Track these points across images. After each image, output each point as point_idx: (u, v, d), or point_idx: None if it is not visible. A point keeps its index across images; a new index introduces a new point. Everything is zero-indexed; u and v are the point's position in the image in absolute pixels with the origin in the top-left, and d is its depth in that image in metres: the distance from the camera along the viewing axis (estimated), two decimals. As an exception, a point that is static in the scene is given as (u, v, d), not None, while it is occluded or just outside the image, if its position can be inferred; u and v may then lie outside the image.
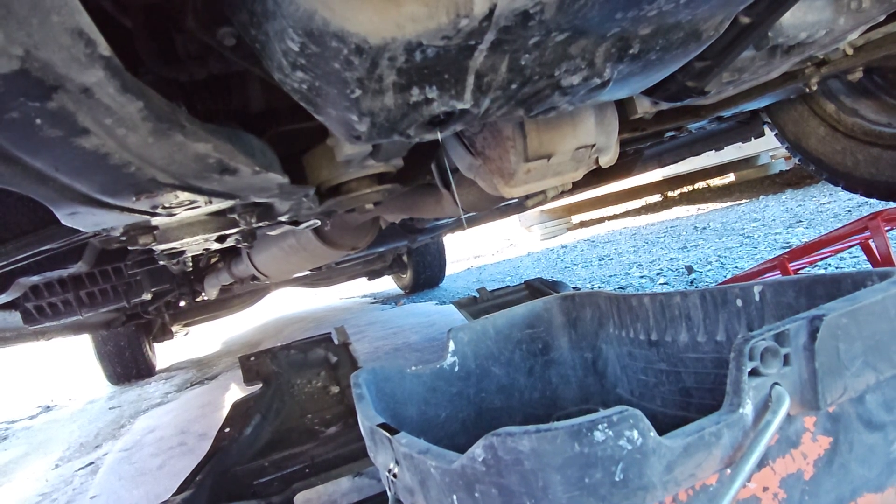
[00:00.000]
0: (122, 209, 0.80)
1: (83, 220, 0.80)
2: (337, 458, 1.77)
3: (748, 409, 0.58)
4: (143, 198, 0.77)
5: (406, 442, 0.77)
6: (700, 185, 9.74)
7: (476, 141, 1.36)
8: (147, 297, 2.30)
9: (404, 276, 6.12)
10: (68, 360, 5.64)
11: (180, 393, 3.66)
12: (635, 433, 0.54)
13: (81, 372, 5.28)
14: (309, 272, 4.82)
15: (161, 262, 1.79)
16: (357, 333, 3.86)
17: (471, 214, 3.25)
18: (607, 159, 1.45)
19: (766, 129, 2.67)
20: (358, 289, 7.43)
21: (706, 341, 0.96)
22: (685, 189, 9.85)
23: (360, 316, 4.93)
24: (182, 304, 4.42)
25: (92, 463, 2.54)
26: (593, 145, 1.31)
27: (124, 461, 2.37)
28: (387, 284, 6.98)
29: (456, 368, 1.29)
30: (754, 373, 0.59)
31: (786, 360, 0.60)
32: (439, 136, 0.86)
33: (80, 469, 2.51)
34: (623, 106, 1.47)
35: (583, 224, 9.60)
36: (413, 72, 0.62)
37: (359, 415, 1.05)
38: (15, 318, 2.07)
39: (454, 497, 0.65)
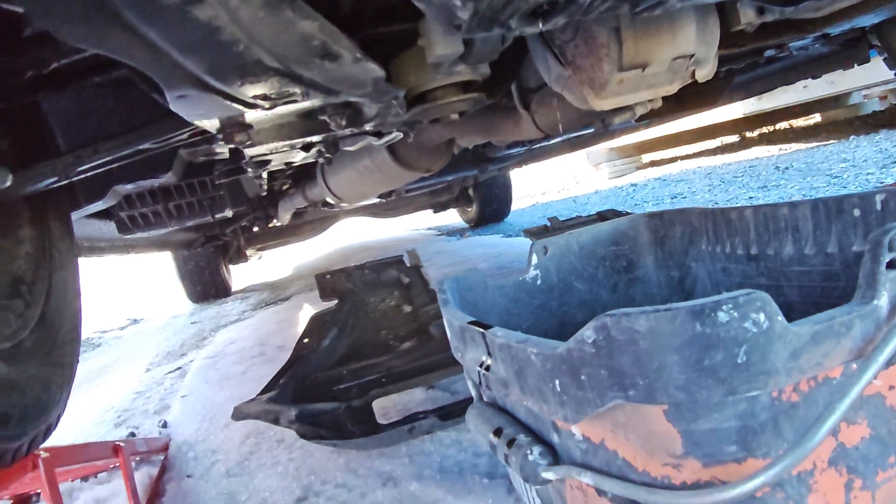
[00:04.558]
0: (226, 96, 0.81)
1: (189, 106, 0.82)
2: (411, 370, 1.82)
3: (883, 302, 0.54)
4: (248, 83, 0.78)
5: (502, 334, 0.77)
6: (782, 125, 9.18)
7: (567, 49, 1.30)
8: (229, 213, 2.37)
9: (469, 209, 6.10)
10: (153, 279, 5.98)
11: (256, 311, 3.82)
12: (762, 316, 0.51)
13: (164, 290, 5.59)
14: (377, 200, 4.88)
15: (247, 174, 1.83)
16: (425, 261, 3.91)
17: (542, 144, 3.17)
18: (704, 73, 1.36)
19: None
20: (423, 221, 7.48)
21: (815, 254, 0.91)
22: (765, 129, 9.31)
23: (426, 246, 4.98)
24: (256, 228, 4.58)
25: (179, 368, 2.71)
26: (692, 56, 1.23)
27: (209, 367, 2.51)
28: (451, 218, 6.99)
29: (538, 282, 1.28)
30: (892, 265, 0.55)
31: (926, 255, 0.56)
32: (540, 27, 0.83)
33: (169, 373, 2.68)
34: (725, 16, 1.38)
35: (653, 164, 9.26)
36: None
37: (445, 317, 1.06)
38: (109, 227, 2.18)
39: (556, 382, 0.65)
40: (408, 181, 2.43)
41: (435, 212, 5.96)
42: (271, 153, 1.38)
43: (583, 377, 0.61)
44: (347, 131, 1.34)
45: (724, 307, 0.51)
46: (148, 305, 5.22)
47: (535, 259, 1.29)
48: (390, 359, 1.96)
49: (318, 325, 2.14)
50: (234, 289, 5.05)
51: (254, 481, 1.52)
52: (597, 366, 0.58)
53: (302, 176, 2.77)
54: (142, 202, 2.03)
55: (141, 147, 1.33)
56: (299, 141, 1.31)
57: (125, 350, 3.55)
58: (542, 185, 8.98)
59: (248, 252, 5.05)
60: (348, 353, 2.05)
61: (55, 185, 1.30)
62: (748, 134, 9.32)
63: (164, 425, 2.01)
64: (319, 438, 1.43)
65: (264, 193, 2.73)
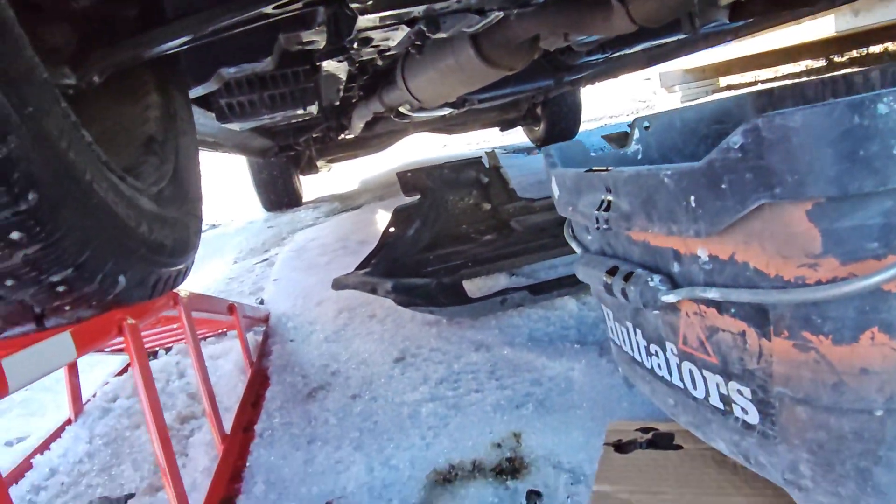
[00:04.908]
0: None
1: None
2: (495, 257, 1.89)
3: None
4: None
5: (628, 169, 0.81)
6: (876, 48, 8.53)
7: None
8: (314, 110, 2.44)
9: (536, 128, 6.01)
10: (227, 188, 6.21)
11: (329, 218, 3.95)
12: (921, 108, 0.53)
13: (238, 199, 5.81)
14: (448, 111, 4.88)
15: (339, 62, 1.88)
16: (494, 174, 3.93)
17: (621, 52, 3.08)
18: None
19: None
20: (486, 142, 7.43)
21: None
22: (856, 53, 8.67)
23: (493, 162, 4.96)
24: (328, 139, 4.68)
25: (266, 259, 2.87)
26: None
27: (295, 258, 2.65)
28: (517, 137, 6.92)
29: (639, 156, 1.30)
30: None
31: None
32: None
33: (257, 263, 2.85)
34: None
35: (730, 87, 8.82)
36: None
37: (555, 176, 1.10)
38: (206, 120, 2.28)
39: (691, 198, 0.69)
40: (489, 81, 2.42)
41: (501, 130, 5.90)
42: (377, 27, 1.41)
43: (723, 186, 0.64)
44: (454, 3, 1.36)
45: (885, 99, 0.53)
46: (223, 212, 5.45)
47: (636, 134, 1.30)
48: (474, 247, 2.03)
49: (401, 217, 2.21)
50: (304, 199, 5.20)
51: (352, 346, 1.64)
52: (742, 170, 0.61)
53: (378, 83, 2.80)
54: (240, 90, 2.11)
55: (245, 16, 1.38)
56: (407, 11, 1.34)
57: (209, 249, 3.75)
58: (611, 109, 8.73)
59: (319, 164, 5.17)
60: (432, 242, 2.13)
61: (170, 52, 1.38)
62: (836, 58, 8.71)
63: (261, 302, 2.15)
64: (416, 305, 1.52)
65: (338, 102, 2.77)
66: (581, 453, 1.00)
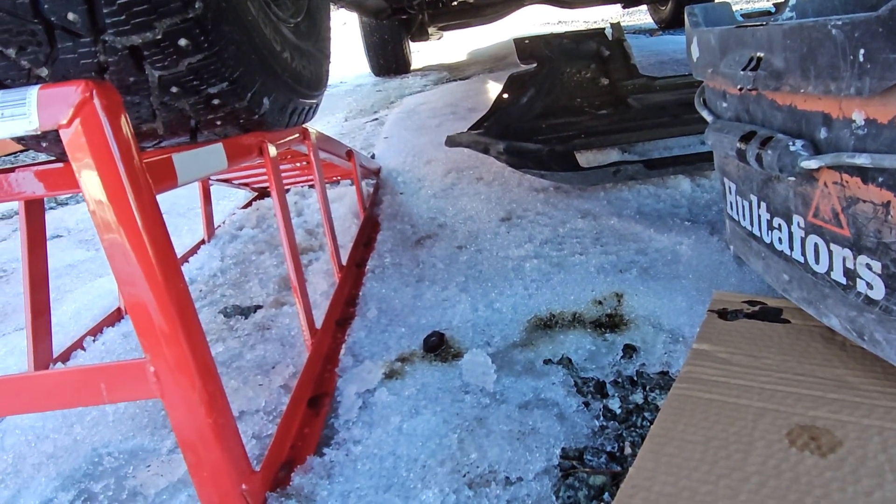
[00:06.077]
0: None
1: None
2: (609, 131, 1.84)
3: None
4: None
5: (789, 22, 0.75)
6: None
7: None
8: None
9: (663, 7, 5.56)
10: (337, 50, 6.25)
11: (438, 86, 3.92)
12: None
13: (348, 62, 5.84)
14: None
15: None
16: (612, 52, 3.71)
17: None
18: None
19: None
20: (605, 19, 6.96)
21: None
22: None
23: (612, 41, 4.67)
24: (441, 4, 4.54)
25: (376, 119, 2.93)
26: None
27: (405, 119, 2.69)
28: (638, 18, 6.44)
29: (792, 24, 1.20)
30: None
31: None
32: None
33: (367, 122, 2.91)
34: None
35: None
36: None
37: (697, 36, 1.04)
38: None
39: (860, 52, 0.64)
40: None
41: (624, 7, 5.51)
42: None
43: (904, 35, 0.59)
44: None
45: None
46: (333, 74, 5.53)
47: (792, 0, 1.19)
48: (588, 120, 1.98)
49: (516, 84, 2.17)
50: (413, 67, 5.16)
51: (459, 203, 1.69)
52: (931, 16, 0.56)
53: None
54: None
55: None
56: None
57: (321, 106, 3.85)
58: (748, -8, 7.86)
59: (430, 30, 5.06)
60: (545, 112, 2.09)
61: None
62: None
63: (373, 156, 2.23)
64: (527, 168, 1.53)
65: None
66: (682, 317, 1.02)
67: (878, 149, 0.68)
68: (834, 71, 0.68)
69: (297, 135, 1.21)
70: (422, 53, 5.99)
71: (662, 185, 1.57)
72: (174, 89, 0.84)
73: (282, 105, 1.04)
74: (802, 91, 0.75)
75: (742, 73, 0.87)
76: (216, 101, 0.89)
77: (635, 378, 0.92)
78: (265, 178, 1.81)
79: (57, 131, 0.62)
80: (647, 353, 0.96)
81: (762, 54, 0.82)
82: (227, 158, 0.90)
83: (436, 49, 6.13)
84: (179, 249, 1.64)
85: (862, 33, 0.64)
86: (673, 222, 1.37)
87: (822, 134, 0.76)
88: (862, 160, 0.68)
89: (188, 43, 0.78)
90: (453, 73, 4.54)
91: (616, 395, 0.89)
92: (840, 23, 0.66)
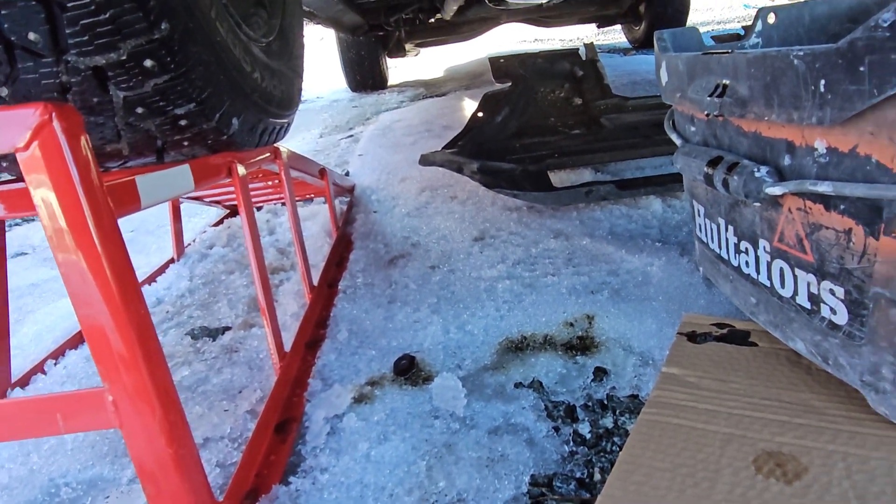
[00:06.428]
0: None
1: None
2: (581, 151, 1.86)
3: None
4: None
5: (753, 51, 0.77)
6: None
7: None
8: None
9: (637, 28, 5.65)
10: (314, 65, 6.24)
11: (414, 102, 3.93)
12: None
13: (325, 77, 5.84)
14: (543, 2, 4.65)
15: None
16: (586, 72, 3.76)
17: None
18: None
19: None
20: (580, 38, 7.07)
21: None
22: None
23: (586, 60, 4.74)
24: (418, 20, 4.56)
25: (351, 135, 2.92)
26: None
27: (380, 136, 2.69)
28: (613, 37, 6.55)
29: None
30: None
31: None
32: None
33: (342, 138, 2.90)
34: None
35: None
36: None
37: (666, 61, 1.06)
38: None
39: (821, 82, 0.65)
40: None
41: (599, 26, 5.59)
42: None
43: (861, 69, 0.60)
44: None
45: None
46: (309, 89, 5.51)
47: (758, 26, 1.22)
48: (561, 139, 2.00)
49: (490, 102, 2.18)
50: (390, 83, 5.17)
51: (433, 222, 1.68)
52: (887, 50, 0.57)
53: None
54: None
55: None
56: None
57: (295, 122, 3.83)
58: (721, 14, 8.06)
59: (407, 47, 5.08)
60: (519, 131, 2.10)
61: None
62: None
63: (347, 174, 2.22)
64: (500, 188, 1.53)
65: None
66: (652, 340, 1.02)
67: (839, 177, 0.69)
68: (796, 100, 0.70)
69: (267, 154, 1.19)
70: (399, 69, 6.01)
71: (634, 205, 1.59)
72: (140, 110, 0.83)
73: (251, 125, 1.03)
74: (766, 119, 0.76)
75: (709, 99, 0.88)
76: (183, 122, 0.87)
77: (605, 402, 0.92)
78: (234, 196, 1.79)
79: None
80: (618, 377, 0.96)
81: (727, 81, 0.84)
82: (194, 180, 0.89)
83: (413, 65, 6.16)
84: (148, 268, 1.61)
85: (822, 64, 0.65)
86: (644, 243, 1.38)
87: (786, 161, 0.77)
88: (824, 188, 0.69)
89: (154, 64, 0.77)
90: (430, 89, 4.56)
91: (586, 419, 0.89)
92: (801, 53, 0.67)
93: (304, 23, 1.52)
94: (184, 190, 0.87)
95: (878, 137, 0.63)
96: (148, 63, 0.77)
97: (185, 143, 0.93)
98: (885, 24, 0.57)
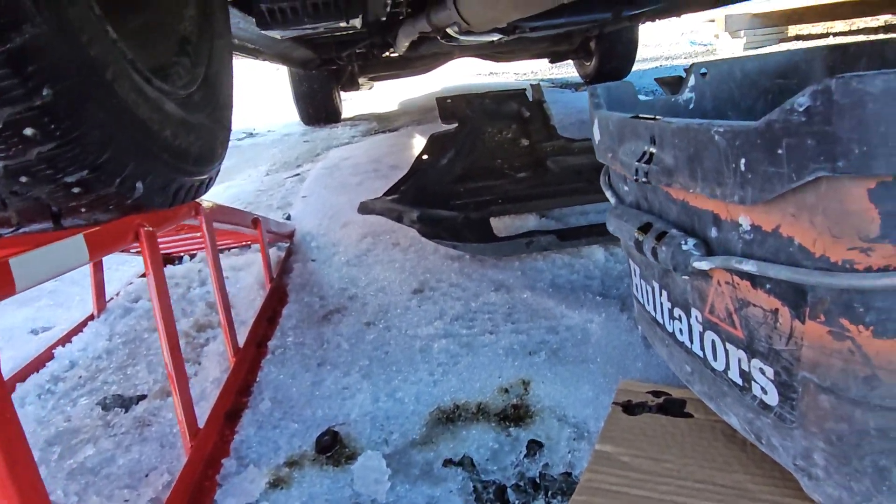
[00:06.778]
0: None
1: None
2: (526, 197, 1.83)
3: None
4: None
5: (677, 120, 0.74)
6: (968, 7, 7.83)
7: None
8: (358, 24, 2.35)
9: (588, 63, 5.76)
10: (266, 98, 6.17)
11: (366, 137, 3.89)
12: None
13: (277, 110, 5.76)
14: (496, 38, 4.68)
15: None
16: (537, 108, 3.79)
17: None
18: None
19: None
20: (534, 73, 7.18)
21: None
22: (945, 11, 7.99)
23: (538, 95, 4.79)
24: (371, 55, 4.55)
25: (298, 174, 2.85)
26: None
27: (326, 176, 2.63)
28: (566, 71, 6.67)
29: (691, 105, 1.22)
30: None
31: None
32: None
33: (288, 177, 2.83)
34: None
35: (799, 37, 8.29)
36: None
37: (598, 119, 1.04)
38: (246, 25, 2.21)
39: (741, 161, 0.63)
40: (544, 7, 2.29)
41: (551, 62, 5.68)
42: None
43: (780, 151, 0.58)
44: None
45: None
46: (261, 121, 5.42)
47: (691, 81, 1.21)
48: (506, 183, 1.97)
49: (436, 144, 2.15)
50: (344, 115, 5.13)
51: (372, 272, 1.63)
52: (804, 135, 0.55)
53: (427, 1, 2.67)
54: (281, -4, 2.03)
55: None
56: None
57: (244, 158, 3.75)
58: (668, 50, 8.30)
59: (360, 81, 5.06)
60: (464, 174, 2.07)
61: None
62: (921, 15, 8.06)
63: (288, 217, 2.15)
64: (440, 238, 1.49)
65: (385, 18, 2.66)
66: (588, 409, 0.98)
67: (764, 255, 0.66)
68: (719, 176, 0.67)
69: (184, 212, 1.12)
70: (353, 101, 5.98)
71: (577, 254, 1.56)
72: (24, 179, 0.76)
73: (162, 186, 0.96)
74: (692, 190, 0.74)
75: (637, 163, 0.85)
76: (77, 190, 0.80)
77: (538, 480, 0.87)
78: (168, 243, 1.70)
79: None
80: (551, 451, 0.91)
81: (654, 150, 0.81)
82: (89, 251, 0.82)
83: (367, 98, 6.14)
84: (67, 325, 1.50)
85: (742, 143, 0.62)
86: (585, 297, 1.35)
87: (713, 233, 0.75)
88: (749, 267, 0.66)
89: (35, 132, 0.70)
90: (382, 123, 4.53)
91: (517, 501, 0.83)
92: (722, 129, 0.65)
93: (233, 69, 1.46)
94: (76, 264, 0.79)
95: (799, 220, 0.60)
96: (28, 132, 0.70)
97: (83, 210, 0.85)
98: (801, 109, 0.55)
